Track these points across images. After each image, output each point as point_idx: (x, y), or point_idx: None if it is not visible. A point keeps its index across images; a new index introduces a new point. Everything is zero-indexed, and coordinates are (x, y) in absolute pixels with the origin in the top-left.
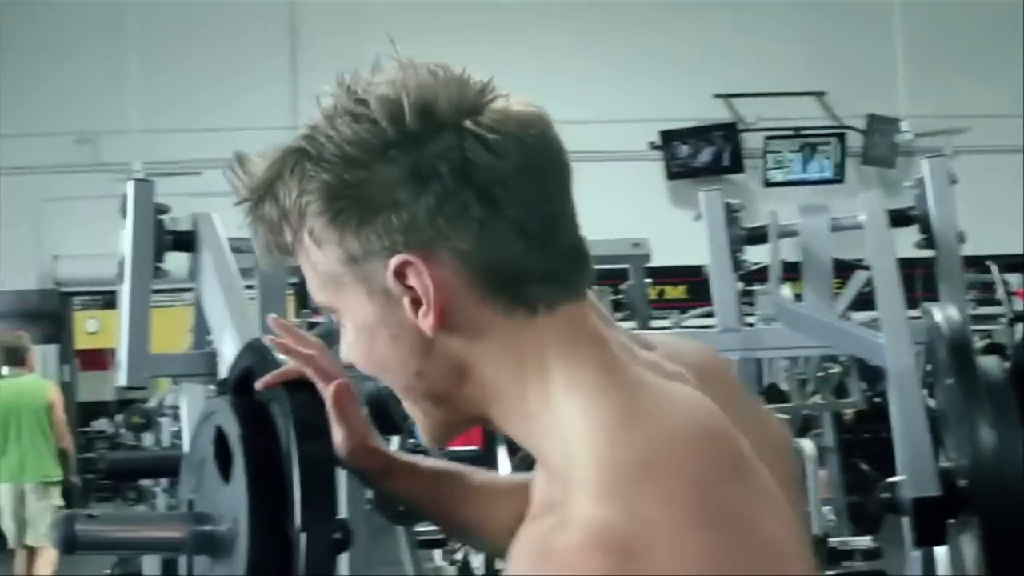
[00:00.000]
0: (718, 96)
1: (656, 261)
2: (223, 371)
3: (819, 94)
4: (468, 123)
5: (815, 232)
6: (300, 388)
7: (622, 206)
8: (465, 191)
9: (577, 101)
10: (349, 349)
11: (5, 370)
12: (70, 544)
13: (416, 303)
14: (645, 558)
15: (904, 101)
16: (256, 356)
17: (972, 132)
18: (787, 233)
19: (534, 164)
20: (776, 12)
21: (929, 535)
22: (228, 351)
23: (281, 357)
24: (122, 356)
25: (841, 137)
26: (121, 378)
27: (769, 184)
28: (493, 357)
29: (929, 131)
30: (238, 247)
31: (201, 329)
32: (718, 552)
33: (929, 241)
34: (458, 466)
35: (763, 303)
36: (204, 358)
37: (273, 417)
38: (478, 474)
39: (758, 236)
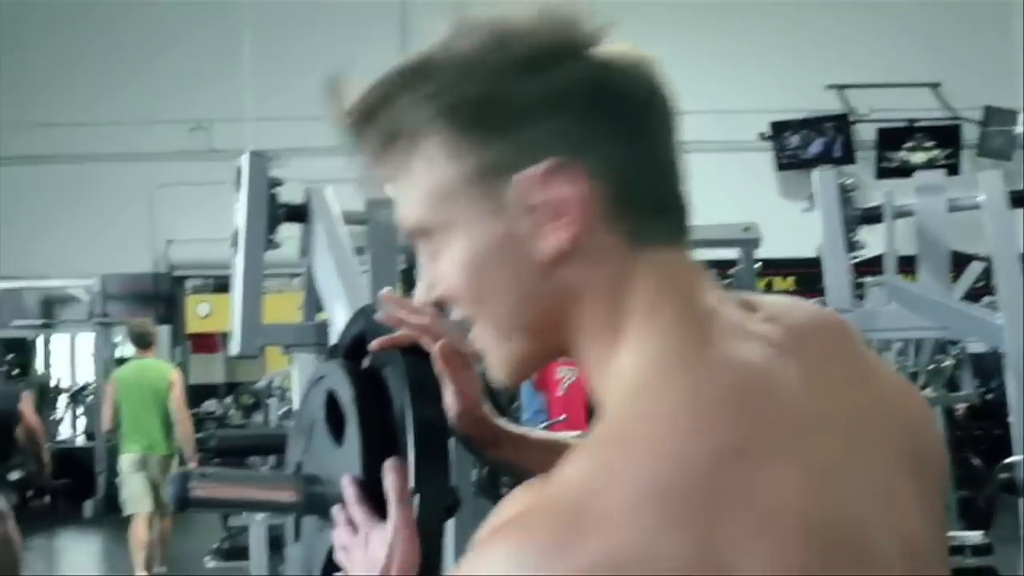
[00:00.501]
0: (830, 87)
1: (765, 252)
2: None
3: (934, 85)
4: (596, 51)
5: (932, 212)
6: (414, 353)
7: (732, 196)
8: (599, 114)
9: (688, 91)
10: (443, 277)
11: (132, 351)
12: (183, 501)
13: (547, 219)
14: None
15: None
16: (369, 321)
17: None
18: (903, 213)
19: (656, 99)
20: (890, 2)
21: None
22: (340, 320)
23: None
24: (235, 325)
25: (956, 129)
26: (234, 347)
27: (881, 175)
28: (602, 284)
29: None
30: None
31: (311, 303)
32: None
33: None
34: (571, 437)
35: (874, 295)
36: (315, 328)
37: (385, 381)
38: None
39: (872, 216)
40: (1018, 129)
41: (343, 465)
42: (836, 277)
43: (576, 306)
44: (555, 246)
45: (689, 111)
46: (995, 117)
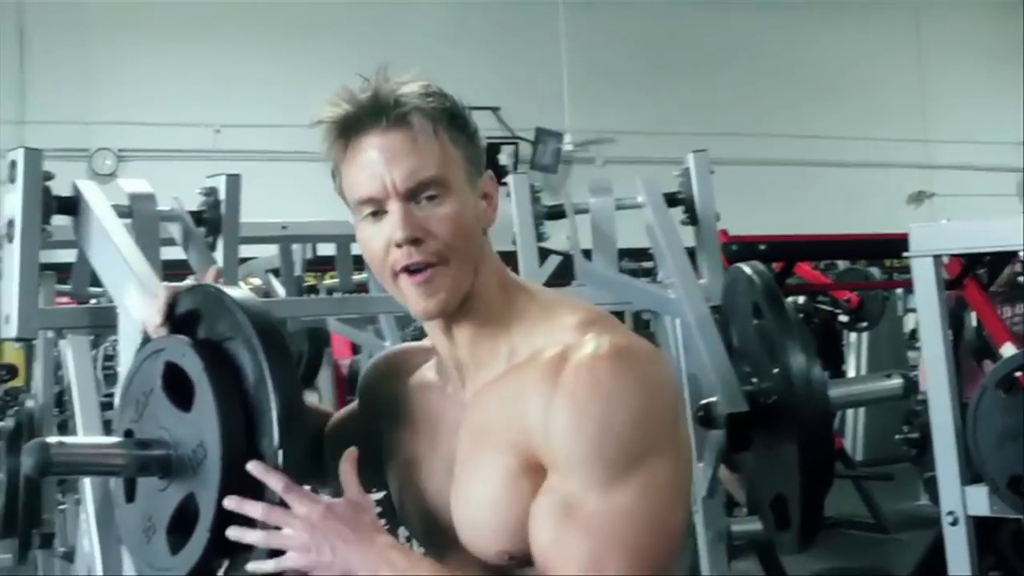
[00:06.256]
0: None
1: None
2: (126, 321)
3: (495, 109)
4: None
5: (602, 210)
6: (265, 324)
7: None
8: None
9: (292, 106)
10: (447, 217)
11: None
12: (45, 467)
13: (490, 204)
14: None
15: (568, 115)
16: (204, 298)
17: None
18: (580, 210)
19: None
20: (458, 37)
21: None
22: (132, 302)
23: (237, 294)
24: (12, 309)
25: (516, 146)
26: (11, 330)
27: None
28: (487, 251)
29: (586, 141)
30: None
31: (81, 287)
32: None
33: (693, 218)
34: None
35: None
36: (92, 312)
37: (228, 351)
38: None
39: (557, 213)
40: (564, 147)
41: (192, 430)
42: (529, 261)
43: (485, 262)
44: (491, 221)
45: (291, 124)
46: (544, 137)
